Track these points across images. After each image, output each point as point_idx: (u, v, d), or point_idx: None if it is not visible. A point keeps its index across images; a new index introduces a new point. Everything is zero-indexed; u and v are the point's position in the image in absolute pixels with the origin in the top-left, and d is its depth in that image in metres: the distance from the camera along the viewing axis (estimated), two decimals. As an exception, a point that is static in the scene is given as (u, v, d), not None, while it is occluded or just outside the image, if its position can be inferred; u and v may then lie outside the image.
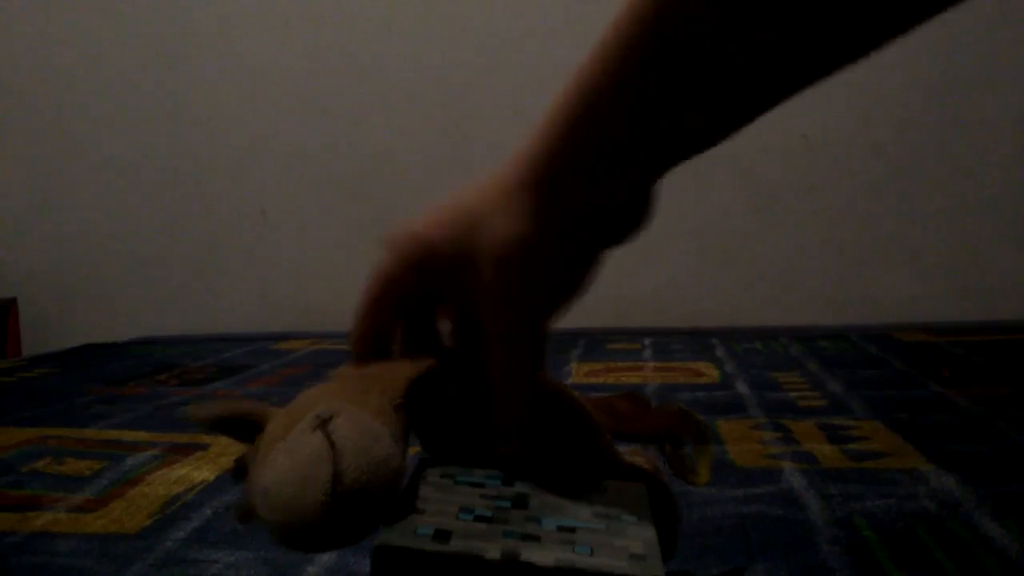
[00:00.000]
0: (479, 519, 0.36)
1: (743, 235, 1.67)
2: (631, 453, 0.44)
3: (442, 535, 0.34)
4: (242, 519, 0.34)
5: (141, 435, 0.89)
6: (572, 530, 0.35)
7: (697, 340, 1.41)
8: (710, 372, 1.13)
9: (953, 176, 1.62)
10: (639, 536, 0.35)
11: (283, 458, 0.32)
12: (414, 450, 0.39)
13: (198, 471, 0.75)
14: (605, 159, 0.34)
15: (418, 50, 1.79)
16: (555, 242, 0.35)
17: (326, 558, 0.54)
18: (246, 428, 0.39)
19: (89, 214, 1.99)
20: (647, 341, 1.41)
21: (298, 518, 0.31)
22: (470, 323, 0.40)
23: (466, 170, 1.77)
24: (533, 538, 0.34)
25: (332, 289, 1.88)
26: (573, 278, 0.37)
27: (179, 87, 1.92)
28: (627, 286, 1.68)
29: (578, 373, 1.15)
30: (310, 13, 1.83)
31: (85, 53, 1.94)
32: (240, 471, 0.37)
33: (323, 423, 0.32)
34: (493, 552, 0.33)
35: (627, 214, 0.37)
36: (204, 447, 0.83)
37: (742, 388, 1.02)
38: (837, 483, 0.64)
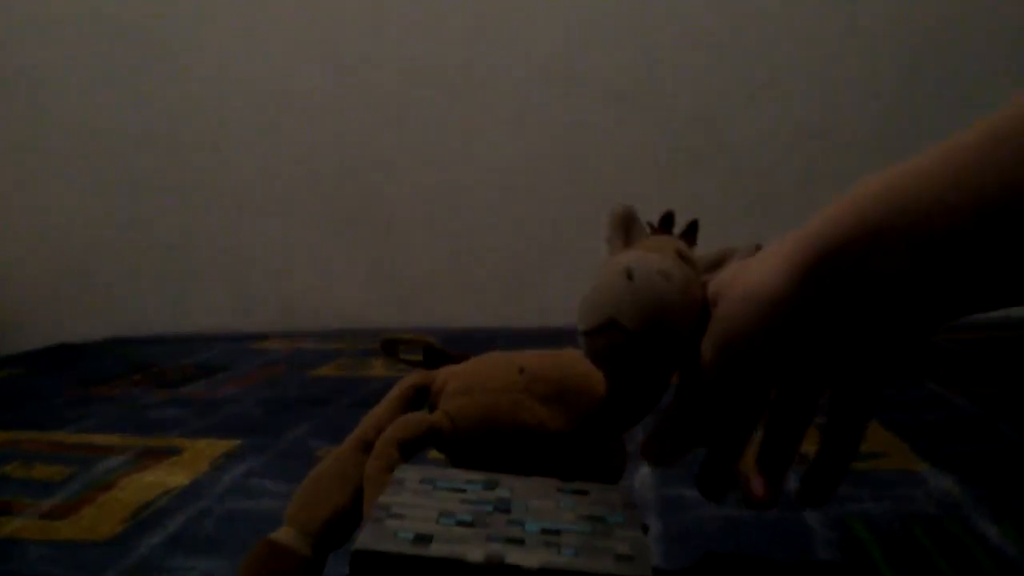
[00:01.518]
0: (461, 524, 0.35)
1: (736, 229, 1.66)
2: None
3: (423, 539, 0.33)
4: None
5: (114, 439, 0.87)
6: (557, 532, 0.35)
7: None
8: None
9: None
10: (625, 537, 0.35)
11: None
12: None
13: (172, 476, 0.74)
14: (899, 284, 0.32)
15: (401, 45, 1.78)
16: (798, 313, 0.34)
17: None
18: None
19: (62, 212, 1.96)
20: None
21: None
22: None
23: (448, 167, 1.77)
24: (517, 541, 0.34)
25: (311, 289, 1.87)
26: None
27: (154, 82, 1.89)
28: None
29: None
30: (291, 7, 1.82)
31: (61, 48, 1.92)
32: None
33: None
34: (476, 555, 0.32)
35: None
36: (178, 451, 0.82)
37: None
38: (831, 484, 0.63)
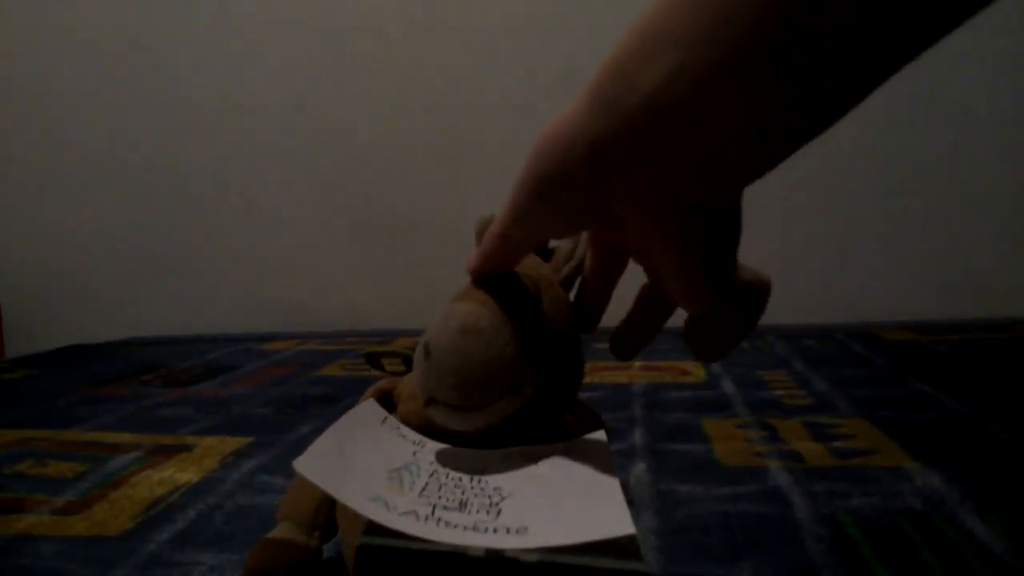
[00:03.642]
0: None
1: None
2: None
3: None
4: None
5: (125, 436, 0.89)
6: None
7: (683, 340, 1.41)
8: (696, 371, 1.13)
9: (938, 174, 1.63)
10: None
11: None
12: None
13: (182, 472, 0.75)
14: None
15: (405, 48, 1.79)
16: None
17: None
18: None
19: (73, 214, 1.97)
20: (634, 341, 1.41)
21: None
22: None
23: (453, 168, 1.77)
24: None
25: (318, 289, 1.88)
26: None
27: (164, 86, 1.91)
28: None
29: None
30: (296, 12, 1.83)
31: (69, 52, 1.93)
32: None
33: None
34: (477, 549, 0.33)
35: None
36: (189, 448, 0.83)
37: (728, 387, 1.02)
38: (823, 481, 0.64)
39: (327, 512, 0.48)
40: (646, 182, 0.32)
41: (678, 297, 0.37)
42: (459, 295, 0.41)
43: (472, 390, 0.37)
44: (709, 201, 0.34)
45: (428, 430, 0.43)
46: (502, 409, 0.39)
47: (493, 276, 0.41)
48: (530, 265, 0.44)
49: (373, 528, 0.34)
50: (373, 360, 0.53)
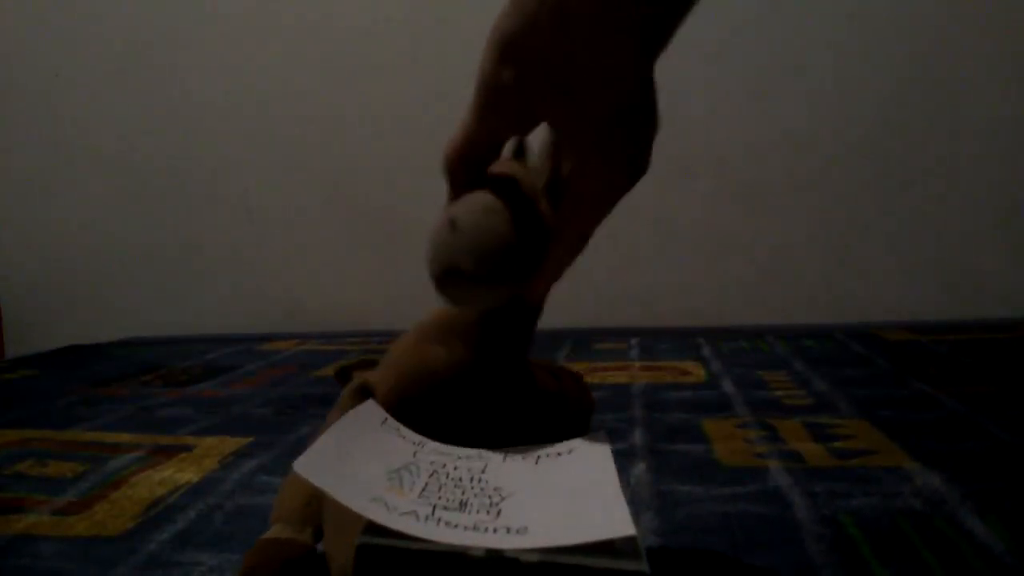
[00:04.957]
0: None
1: (729, 235, 1.68)
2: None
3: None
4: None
5: (125, 437, 0.89)
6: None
7: (683, 339, 1.41)
8: (696, 371, 1.13)
9: (938, 175, 1.63)
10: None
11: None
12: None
13: (182, 473, 0.75)
14: None
15: (404, 49, 1.79)
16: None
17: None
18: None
19: (73, 214, 1.97)
20: (633, 341, 1.41)
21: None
22: None
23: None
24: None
25: (318, 289, 1.88)
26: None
27: (163, 87, 1.91)
28: (613, 286, 1.68)
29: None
30: (295, 12, 1.83)
31: (70, 52, 1.93)
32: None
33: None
34: (477, 549, 0.33)
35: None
36: (189, 448, 0.83)
37: (728, 387, 1.02)
38: (823, 481, 0.64)
39: (317, 508, 0.48)
40: (552, 72, 0.37)
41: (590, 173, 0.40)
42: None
43: (498, 259, 0.40)
44: (611, 87, 0.37)
45: (402, 380, 0.44)
46: (498, 294, 0.41)
47: (502, 179, 0.43)
48: (528, 173, 0.46)
49: (373, 528, 0.34)
50: (344, 376, 0.54)
